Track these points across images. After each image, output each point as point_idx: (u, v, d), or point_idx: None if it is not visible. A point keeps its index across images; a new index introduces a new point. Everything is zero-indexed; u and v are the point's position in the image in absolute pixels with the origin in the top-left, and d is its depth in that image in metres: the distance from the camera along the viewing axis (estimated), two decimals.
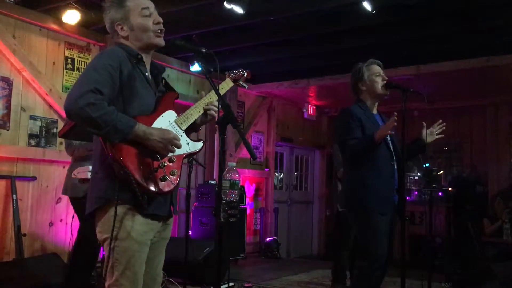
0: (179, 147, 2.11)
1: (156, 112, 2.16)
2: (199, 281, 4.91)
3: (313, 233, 9.74)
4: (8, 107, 4.92)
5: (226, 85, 2.51)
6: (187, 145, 2.22)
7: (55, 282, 4.24)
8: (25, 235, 4.78)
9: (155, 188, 2.04)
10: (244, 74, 2.62)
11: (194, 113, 2.26)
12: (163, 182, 2.06)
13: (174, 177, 2.11)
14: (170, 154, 2.11)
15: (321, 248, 9.64)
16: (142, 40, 2.19)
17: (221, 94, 2.29)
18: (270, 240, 7.93)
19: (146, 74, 2.22)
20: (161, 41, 2.23)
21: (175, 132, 2.15)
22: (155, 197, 2.07)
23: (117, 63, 2.07)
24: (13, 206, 4.74)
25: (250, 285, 5.30)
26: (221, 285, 4.55)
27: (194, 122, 2.29)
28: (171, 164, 2.11)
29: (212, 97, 2.31)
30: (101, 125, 1.93)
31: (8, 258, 4.73)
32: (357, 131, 3.22)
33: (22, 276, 4.22)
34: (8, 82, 4.93)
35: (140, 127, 2.02)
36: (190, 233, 5.61)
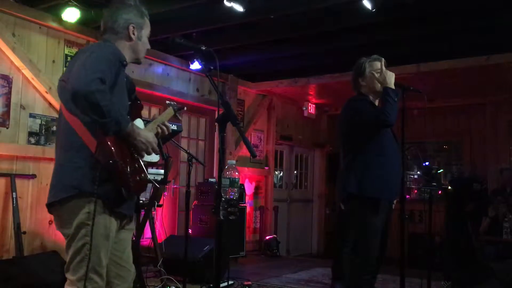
0: (156, 152, 2.22)
1: (130, 117, 2.24)
2: (198, 279, 4.91)
3: (313, 232, 9.74)
4: (7, 105, 4.91)
5: (167, 115, 2.52)
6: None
7: (54, 280, 4.23)
8: (25, 233, 4.78)
9: (133, 184, 2.10)
10: (184, 108, 2.70)
11: (153, 129, 2.34)
12: (138, 183, 2.13)
13: (143, 181, 2.18)
14: (145, 158, 2.20)
15: (320, 247, 9.64)
16: (137, 53, 2.35)
17: (164, 121, 2.38)
18: (269, 239, 7.93)
19: (125, 79, 2.31)
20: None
21: None
22: (130, 194, 2.14)
23: (115, 60, 2.16)
24: (12, 204, 4.74)
25: (249, 283, 5.30)
26: (221, 283, 4.56)
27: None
28: (139, 168, 2.18)
29: (164, 117, 2.41)
30: (105, 114, 1.97)
31: (7, 256, 4.73)
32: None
33: (21, 274, 4.22)
34: (7, 80, 4.93)
35: (133, 125, 2.11)
36: (190, 231, 5.61)
